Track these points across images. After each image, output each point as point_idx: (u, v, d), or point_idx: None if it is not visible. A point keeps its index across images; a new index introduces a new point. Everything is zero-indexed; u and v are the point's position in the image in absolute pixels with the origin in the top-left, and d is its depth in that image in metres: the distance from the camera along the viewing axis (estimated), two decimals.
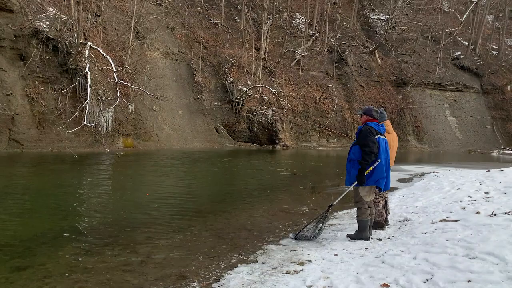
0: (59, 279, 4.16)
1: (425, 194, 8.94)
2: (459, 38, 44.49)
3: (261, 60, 31.87)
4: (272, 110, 28.99)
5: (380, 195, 6.03)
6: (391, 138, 6.00)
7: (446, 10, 46.90)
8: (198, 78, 29.29)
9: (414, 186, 10.89)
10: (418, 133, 36.85)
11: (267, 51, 33.35)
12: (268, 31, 34.16)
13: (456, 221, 5.71)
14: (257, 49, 32.84)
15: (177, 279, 4.21)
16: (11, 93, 18.38)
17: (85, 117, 18.81)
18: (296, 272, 4.20)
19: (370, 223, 5.51)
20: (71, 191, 9.59)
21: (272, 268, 4.39)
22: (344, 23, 41.41)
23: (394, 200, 8.51)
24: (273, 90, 29.16)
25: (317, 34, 38.58)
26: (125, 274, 4.32)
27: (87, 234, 5.81)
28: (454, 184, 9.78)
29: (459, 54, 41.95)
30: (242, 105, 28.91)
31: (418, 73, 38.71)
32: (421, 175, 13.71)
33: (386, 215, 6.20)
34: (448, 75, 39.82)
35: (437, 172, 13.39)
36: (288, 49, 34.09)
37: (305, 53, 35.29)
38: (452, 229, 5.26)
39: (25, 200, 8.34)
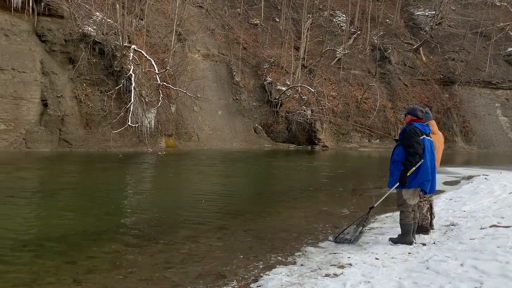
0: (105, 273, 4.34)
1: (473, 198, 8.55)
2: None
3: (301, 59, 31.64)
4: (312, 110, 28.70)
5: (425, 198, 5.81)
6: (437, 139, 5.78)
7: (497, 3, 44.43)
8: (237, 79, 29.55)
9: (462, 189, 10.44)
10: (466, 133, 35.18)
11: (306, 50, 33.05)
12: (308, 30, 33.84)
13: (507, 227, 5.42)
14: (297, 49, 32.64)
15: (216, 277, 4.26)
16: (61, 95, 19.41)
17: (129, 118, 19.50)
18: (335, 275, 4.13)
19: (414, 227, 5.32)
20: (117, 188, 10.00)
21: (311, 271, 4.34)
22: (387, 20, 40.26)
23: (440, 204, 8.19)
24: (312, 90, 28.85)
25: (359, 32, 37.78)
26: (166, 271, 4.43)
27: (131, 231, 6.02)
28: (506, 188, 9.31)
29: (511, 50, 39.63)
30: (281, 105, 28.83)
31: (466, 70, 36.91)
32: (469, 178, 13.10)
33: (431, 219, 5.97)
34: (500, 72, 37.70)
35: (487, 175, 12.77)
36: (328, 48, 33.60)
37: (346, 51, 34.65)
38: (504, 235, 4.99)
39: (76, 196, 8.79)
